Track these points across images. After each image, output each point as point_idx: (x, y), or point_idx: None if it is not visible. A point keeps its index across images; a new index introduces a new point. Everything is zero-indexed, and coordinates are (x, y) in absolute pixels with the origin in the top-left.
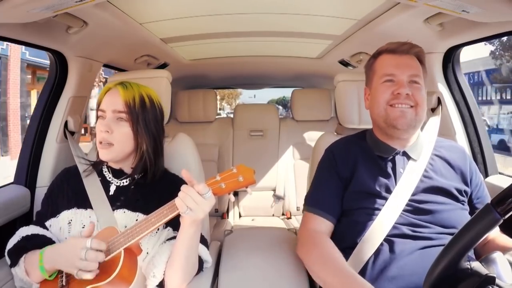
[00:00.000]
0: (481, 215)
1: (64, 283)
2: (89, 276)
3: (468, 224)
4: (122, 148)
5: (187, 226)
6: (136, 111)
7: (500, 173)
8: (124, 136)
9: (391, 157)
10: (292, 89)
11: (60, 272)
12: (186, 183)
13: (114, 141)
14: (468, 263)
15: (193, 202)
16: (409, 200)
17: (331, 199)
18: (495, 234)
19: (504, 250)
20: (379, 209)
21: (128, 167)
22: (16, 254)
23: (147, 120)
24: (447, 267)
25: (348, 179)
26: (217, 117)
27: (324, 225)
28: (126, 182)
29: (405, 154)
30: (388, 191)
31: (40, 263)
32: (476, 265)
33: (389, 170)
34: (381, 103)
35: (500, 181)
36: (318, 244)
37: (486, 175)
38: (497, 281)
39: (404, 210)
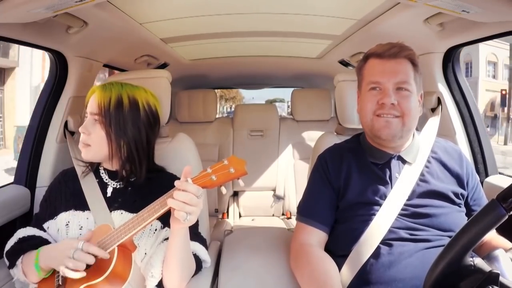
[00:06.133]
0: (486, 211)
1: (60, 283)
2: (74, 275)
3: (473, 219)
4: (99, 149)
5: (181, 226)
6: (110, 113)
7: (500, 173)
8: (99, 138)
9: (386, 162)
10: (291, 89)
11: (56, 271)
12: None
13: (91, 142)
14: (472, 259)
15: (190, 207)
16: (406, 205)
17: (324, 209)
18: (492, 235)
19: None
20: (374, 215)
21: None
22: (14, 256)
23: (121, 123)
24: (451, 263)
25: (342, 190)
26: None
27: (316, 236)
28: (122, 184)
29: (400, 158)
30: (384, 197)
31: (36, 261)
32: (479, 261)
33: (385, 176)
34: (367, 112)
35: (500, 181)
36: (311, 261)
37: (486, 175)
38: (500, 278)
39: (401, 214)
